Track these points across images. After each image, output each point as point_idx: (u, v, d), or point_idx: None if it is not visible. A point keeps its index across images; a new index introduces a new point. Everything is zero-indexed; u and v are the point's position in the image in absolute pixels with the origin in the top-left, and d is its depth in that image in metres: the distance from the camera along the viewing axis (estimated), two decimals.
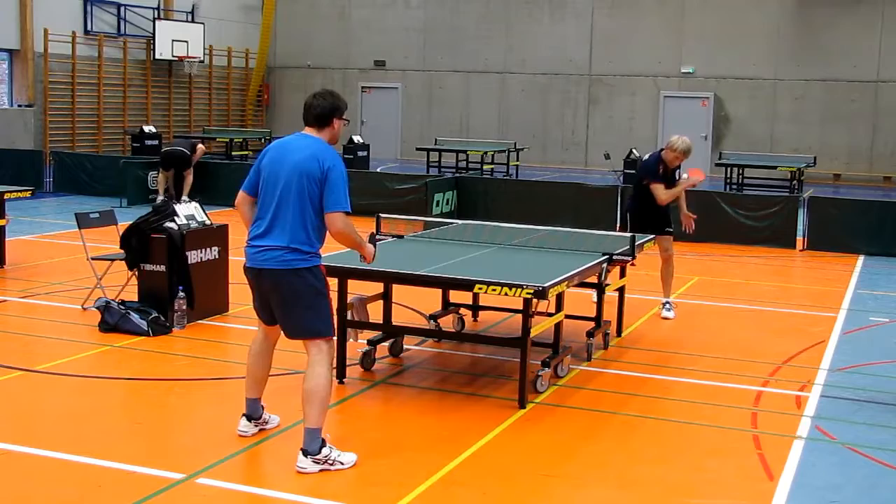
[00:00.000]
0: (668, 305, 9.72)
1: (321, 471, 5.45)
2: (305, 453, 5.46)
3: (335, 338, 5.74)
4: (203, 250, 8.85)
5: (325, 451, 5.47)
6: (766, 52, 27.13)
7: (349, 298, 7.20)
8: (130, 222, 8.83)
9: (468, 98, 30.10)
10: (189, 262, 8.63)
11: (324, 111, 5.63)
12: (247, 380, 6.03)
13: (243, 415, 6.01)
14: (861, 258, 13.71)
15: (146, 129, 24.14)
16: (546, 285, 6.41)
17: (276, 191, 5.51)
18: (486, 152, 24.23)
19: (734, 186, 21.70)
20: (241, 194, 5.76)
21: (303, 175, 5.45)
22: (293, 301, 5.53)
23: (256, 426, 6.02)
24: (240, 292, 9.57)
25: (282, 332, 5.75)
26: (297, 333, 5.62)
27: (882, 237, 14.14)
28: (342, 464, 5.51)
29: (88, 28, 25.69)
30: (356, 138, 24.87)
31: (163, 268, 8.54)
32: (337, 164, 5.50)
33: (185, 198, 16.16)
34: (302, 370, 7.24)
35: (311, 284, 5.52)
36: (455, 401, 6.87)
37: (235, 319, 9.01)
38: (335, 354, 5.82)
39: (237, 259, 10.76)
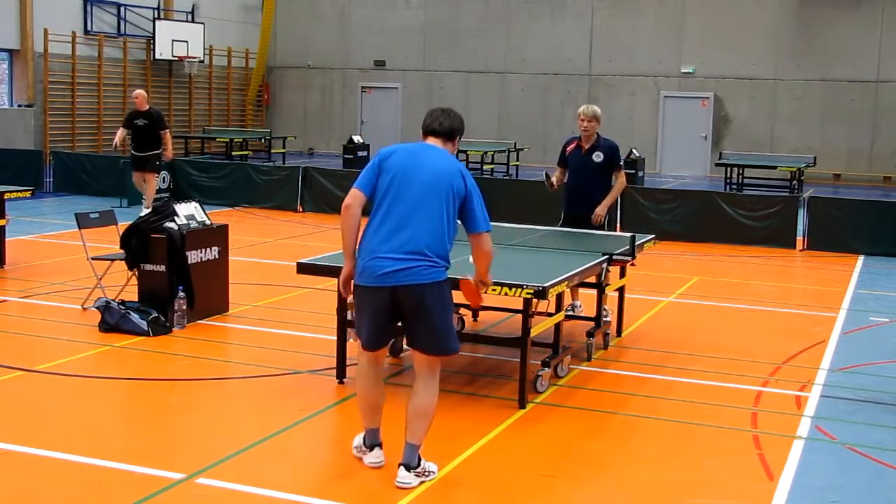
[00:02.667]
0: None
1: (420, 483, 5.31)
2: (408, 468, 5.29)
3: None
4: (203, 250, 8.85)
5: (423, 463, 5.38)
6: (766, 52, 27.13)
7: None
8: (130, 222, 8.83)
9: (468, 98, 30.09)
10: (189, 262, 8.63)
11: (454, 126, 5.53)
12: (366, 413, 5.56)
13: (373, 445, 5.56)
14: (861, 258, 13.71)
15: None
16: (546, 285, 6.41)
17: (411, 197, 5.23)
18: (486, 152, 24.24)
19: (734, 186, 21.70)
20: (356, 193, 5.32)
21: (450, 186, 5.26)
22: (432, 315, 5.24)
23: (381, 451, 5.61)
24: (240, 292, 9.60)
25: (413, 348, 5.41)
26: (436, 350, 5.32)
27: (882, 237, 14.14)
28: (433, 473, 5.41)
29: (88, 28, 25.69)
30: (356, 138, 24.89)
31: (163, 268, 8.54)
32: (475, 183, 5.39)
33: (146, 205, 14.37)
34: (302, 370, 7.25)
35: (446, 298, 5.32)
36: (455, 401, 6.87)
37: (235, 319, 9.01)
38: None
39: (237, 259, 10.79)
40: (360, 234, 5.38)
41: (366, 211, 5.34)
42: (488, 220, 5.40)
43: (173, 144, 26.70)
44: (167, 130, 15.49)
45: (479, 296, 5.65)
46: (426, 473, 5.38)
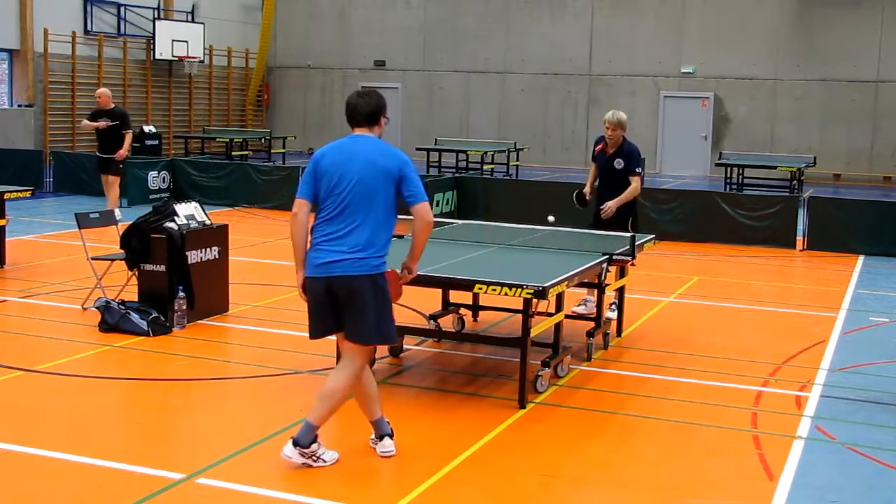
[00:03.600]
0: (612, 306, 9.21)
1: (303, 463, 5.46)
2: (296, 444, 5.44)
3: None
4: (203, 250, 8.85)
5: (314, 446, 5.47)
6: (766, 52, 27.13)
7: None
8: (130, 222, 8.83)
9: (468, 98, 30.10)
10: (189, 262, 8.63)
11: (373, 109, 5.59)
12: (363, 405, 5.72)
13: (385, 435, 5.69)
14: (861, 258, 13.71)
15: (146, 128, 24.17)
16: (546, 285, 6.41)
17: (344, 193, 5.39)
18: (486, 152, 24.24)
19: (734, 186, 21.69)
20: (299, 202, 5.50)
21: (380, 174, 5.40)
22: (370, 306, 5.39)
23: (392, 441, 5.73)
24: (240, 292, 9.60)
25: (346, 337, 5.53)
26: (367, 339, 5.49)
27: (882, 237, 14.14)
28: (324, 461, 5.51)
29: (88, 28, 25.69)
30: None
31: (163, 268, 8.54)
32: (408, 160, 5.52)
33: (116, 210, 12.34)
34: (302, 370, 7.25)
35: (381, 289, 5.45)
36: (455, 401, 6.87)
37: (235, 319, 9.01)
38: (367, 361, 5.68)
39: (237, 259, 10.78)
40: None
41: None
42: (424, 191, 5.52)
43: (174, 144, 27.10)
44: (130, 131, 14.88)
45: (398, 288, 5.72)
46: (315, 458, 5.46)
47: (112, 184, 14.87)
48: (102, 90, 15.12)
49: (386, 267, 5.49)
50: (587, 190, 9.53)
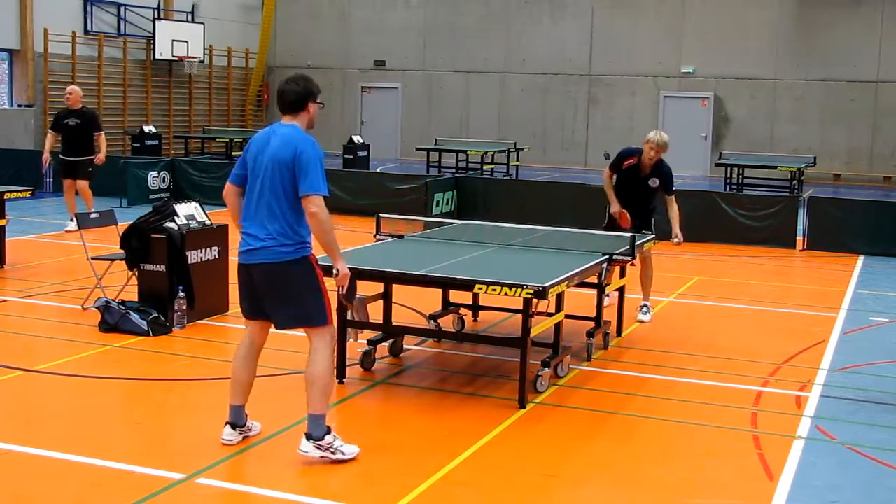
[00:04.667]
0: (644, 308, 9.50)
1: (322, 457, 5.47)
2: (308, 437, 5.48)
3: (333, 326, 5.70)
4: (203, 250, 8.85)
5: (328, 438, 5.49)
6: (766, 52, 27.13)
7: None
8: (130, 222, 8.83)
9: (468, 98, 30.10)
10: (189, 262, 8.63)
11: (298, 97, 5.58)
12: (232, 386, 5.86)
13: (227, 423, 5.85)
14: (861, 258, 13.71)
15: (146, 129, 24.18)
16: (546, 285, 6.41)
17: (256, 183, 5.53)
18: (486, 152, 24.25)
19: (734, 186, 21.70)
20: (227, 186, 5.75)
21: (277, 164, 5.44)
22: (282, 293, 5.53)
23: (241, 434, 5.88)
24: None
25: (272, 326, 5.75)
26: (287, 322, 5.64)
27: (882, 237, 14.14)
28: (343, 454, 5.52)
29: (88, 28, 25.69)
30: (356, 138, 24.88)
31: (163, 268, 8.54)
32: (307, 149, 5.42)
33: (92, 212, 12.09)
34: (302, 370, 7.25)
35: (299, 275, 5.52)
36: (455, 401, 6.87)
37: (235, 319, 9.00)
38: (335, 344, 5.78)
39: (237, 259, 10.77)
40: None
41: None
42: (316, 184, 5.38)
43: (174, 144, 27.10)
44: (102, 132, 13.89)
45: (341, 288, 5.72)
46: (332, 450, 5.48)
47: (82, 190, 13.80)
48: (74, 87, 14.14)
49: (296, 255, 5.51)
50: (615, 209, 9.41)
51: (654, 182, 9.30)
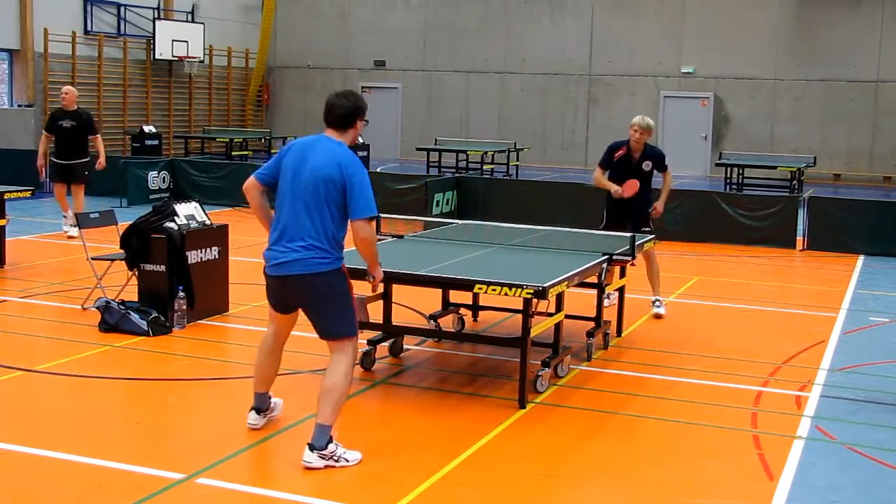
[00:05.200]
0: (657, 303, 9.71)
1: (326, 467, 5.46)
2: (312, 448, 5.46)
3: (357, 338, 5.72)
4: (203, 250, 8.85)
5: (331, 447, 5.48)
6: (766, 52, 27.13)
7: None
8: (130, 222, 8.83)
9: (468, 98, 30.10)
10: (189, 262, 8.63)
11: (348, 112, 5.57)
12: (256, 377, 6.06)
13: (252, 408, 6.06)
14: (861, 258, 13.71)
15: (146, 129, 24.19)
16: (546, 285, 6.41)
17: (295, 194, 5.48)
18: (486, 152, 24.25)
19: (734, 186, 21.70)
20: (251, 180, 5.67)
21: (322, 179, 5.41)
22: (320, 304, 5.54)
23: (265, 417, 6.10)
24: (240, 292, 9.59)
25: (293, 328, 5.91)
26: (326, 335, 5.64)
27: (882, 237, 14.14)
28: (347, 461, 5.52)
29: (88, 28, 25.68)
30: None
31: (163, 268, 8.54)
32: (359, 171, 5.47)
33: (70, 223, 12.09)
34: (306, 370, 7.27)
35: (335, 286, 5.53)
36: (455, 401, 6.87)
37: (235, 319, 9.01)
38: (357, 354, 5.82)
39: (237, 259, 10.78)
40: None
41: None
42: (368, 207, 5.45)
43: (174, 144, 27.10)
44: (99, 135, 13.66)
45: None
46: (336, 459, 5.49)
47: (76, 194, 13.44)
48: (70, 88, 13.72)
49: (333, 266, 5.53)
50: (615, 188, 9.50)
51: (647, 165, 9.54)
